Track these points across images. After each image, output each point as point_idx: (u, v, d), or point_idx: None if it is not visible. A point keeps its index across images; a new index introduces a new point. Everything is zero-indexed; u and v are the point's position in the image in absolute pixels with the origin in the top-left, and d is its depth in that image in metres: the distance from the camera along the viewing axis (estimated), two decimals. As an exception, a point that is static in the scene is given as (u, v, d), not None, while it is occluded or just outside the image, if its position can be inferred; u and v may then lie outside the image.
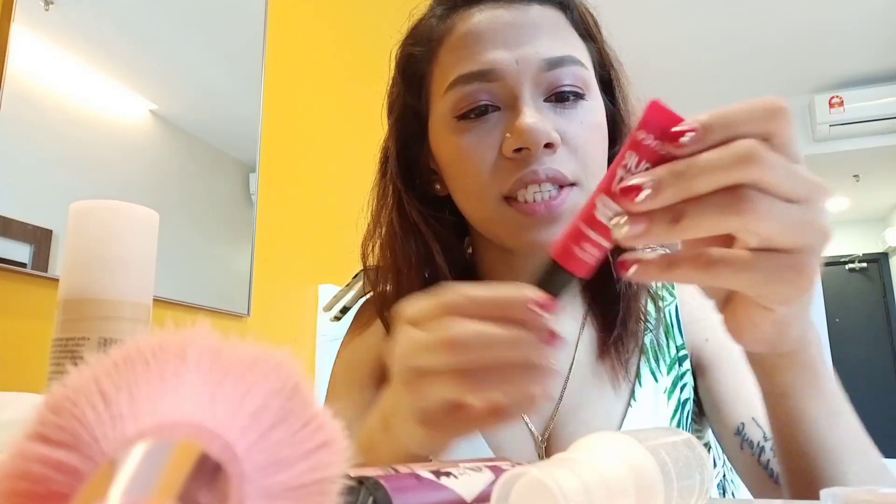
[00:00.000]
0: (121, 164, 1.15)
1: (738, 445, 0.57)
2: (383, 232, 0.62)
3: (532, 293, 0.34)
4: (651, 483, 0.27)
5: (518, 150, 0.52)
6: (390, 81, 0.64)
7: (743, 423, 0.57)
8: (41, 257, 0.97)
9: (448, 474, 0.30)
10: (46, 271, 0.98)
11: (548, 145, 0.51)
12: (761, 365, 0.43)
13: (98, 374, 0.18)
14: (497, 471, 0.32)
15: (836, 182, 4.67)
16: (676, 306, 0.65)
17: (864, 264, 5.71)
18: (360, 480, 0.28)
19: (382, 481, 0.27)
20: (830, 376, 0.43)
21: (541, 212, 0.52)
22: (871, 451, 0.44)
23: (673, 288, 0.67)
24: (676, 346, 0.63)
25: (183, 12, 1.32)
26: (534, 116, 0.51)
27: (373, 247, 0.63)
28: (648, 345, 0.62)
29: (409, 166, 0.63)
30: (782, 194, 0.31)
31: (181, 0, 1.32)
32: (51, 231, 0.99)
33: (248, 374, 0.19)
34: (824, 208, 0.32)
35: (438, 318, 0.36)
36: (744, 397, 0.58)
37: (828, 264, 5.36)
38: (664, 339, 0.63)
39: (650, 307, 0.63)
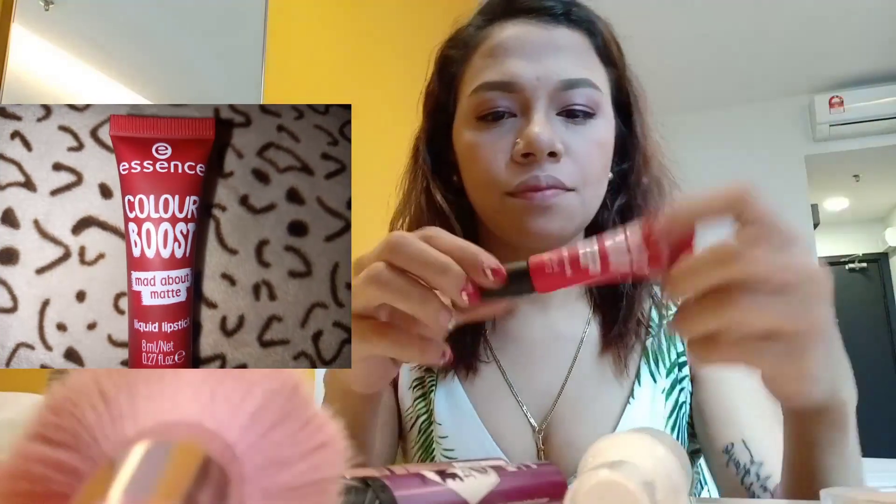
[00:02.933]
0: (121, 164, 1.15)
1: (724, 464, 0.58)
2: (412, 210, 0.68)
3: (488, 260, 0.38)
4: (677, 482, 0.27)
5: (525, 154, 0.57)
6: (428, 78, 0.70)
7: (732, 444, 0.58)
8: (41, 257, 0.97)
9: (454, 476, 0.30)
10: (46, 271, 0.98)
11: (552, 154, 0.57)
12: (793, 412, 0.44)
13: (98, 374, 0.18)
14: (503, 472, 0.32)
15: (836, 182, 4.67)
16: None
17: (864, 264, 5.69)
18: (366, 482, 0.28)
19: (388, 482, 0.27)
20: (855, 435, 0.43)
21: (536, 198, 0.57)
22: None
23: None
24: (677, 353, 0.66)
25: (183, 12, 1.32)
26: (542, 127, 0.57)
27: (402, 223, 0.69)
28: (649, 348, 0.66)
29: (437, 155, 0.68)
30: (766, 288, 0.32)
31: (181, 0, 1.32)
32: (51, 231, 0.99)
33: (247, 374, 0.19)
34: (815, 293, 0.34)
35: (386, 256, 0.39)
36: (736, 419, 0.60)
37: (828, 264, 5.35)
38: (665, 343, 0.66)
39: (654, 314, 0.67)
